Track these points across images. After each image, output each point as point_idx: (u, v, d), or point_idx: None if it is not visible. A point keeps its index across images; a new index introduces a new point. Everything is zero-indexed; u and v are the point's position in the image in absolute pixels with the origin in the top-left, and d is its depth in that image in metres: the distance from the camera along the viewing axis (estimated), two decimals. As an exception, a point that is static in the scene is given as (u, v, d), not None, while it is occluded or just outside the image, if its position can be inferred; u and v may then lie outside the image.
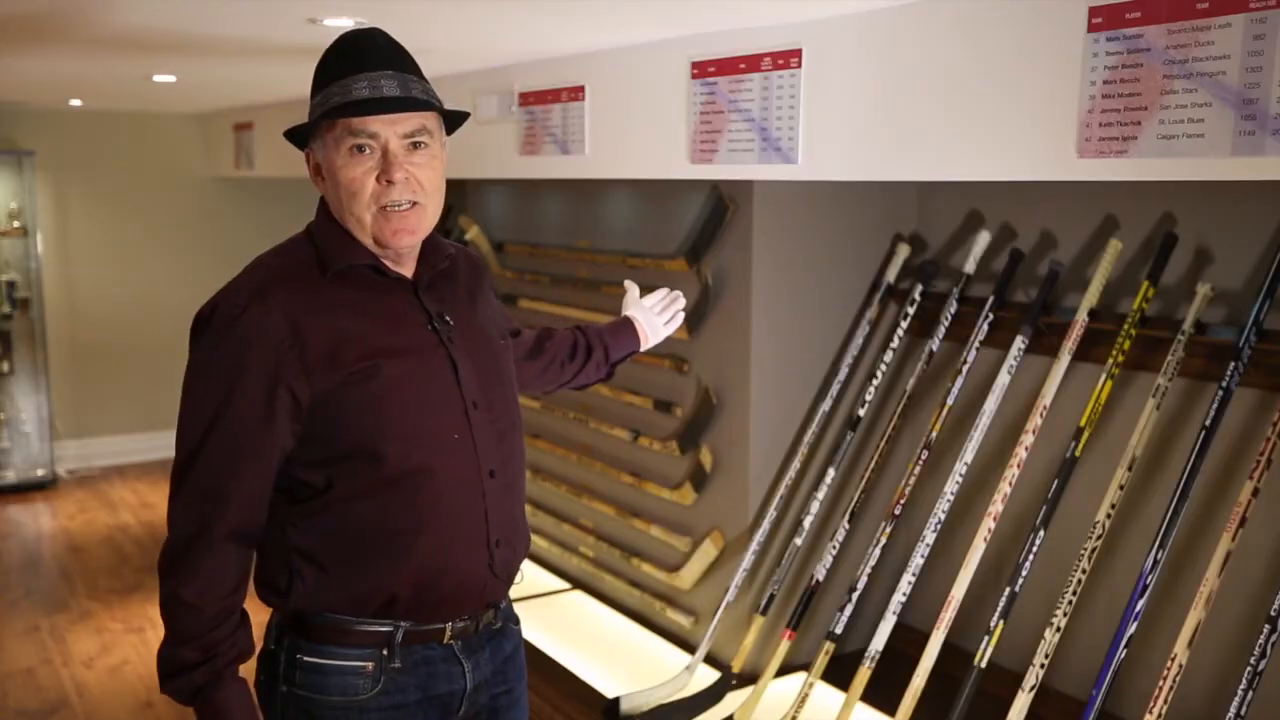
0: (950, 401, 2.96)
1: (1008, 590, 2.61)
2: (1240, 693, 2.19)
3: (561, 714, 3.12)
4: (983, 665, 2.58)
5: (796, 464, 3.22)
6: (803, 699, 2.89)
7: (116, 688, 3.59)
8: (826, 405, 3.25)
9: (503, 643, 1.69)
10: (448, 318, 1.61)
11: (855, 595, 2.93)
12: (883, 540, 2.97)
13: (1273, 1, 1.67)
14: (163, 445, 6.20)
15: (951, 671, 2.74)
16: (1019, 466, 2.73)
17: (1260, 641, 2.19)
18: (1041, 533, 2.62)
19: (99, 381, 6.27)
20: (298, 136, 1.57)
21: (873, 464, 3.14)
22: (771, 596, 3.17)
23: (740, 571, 3.20)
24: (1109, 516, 2.53)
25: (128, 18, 2.69)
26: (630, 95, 3.02)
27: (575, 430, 4.05)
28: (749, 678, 3.15)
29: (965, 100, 2.16)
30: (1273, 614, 2.19)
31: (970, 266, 3.04)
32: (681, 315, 2.19)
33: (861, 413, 3.21)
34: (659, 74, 2.89)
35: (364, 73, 1.48)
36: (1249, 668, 2.19)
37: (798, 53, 2.48)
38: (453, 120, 1.61)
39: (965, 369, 2.95)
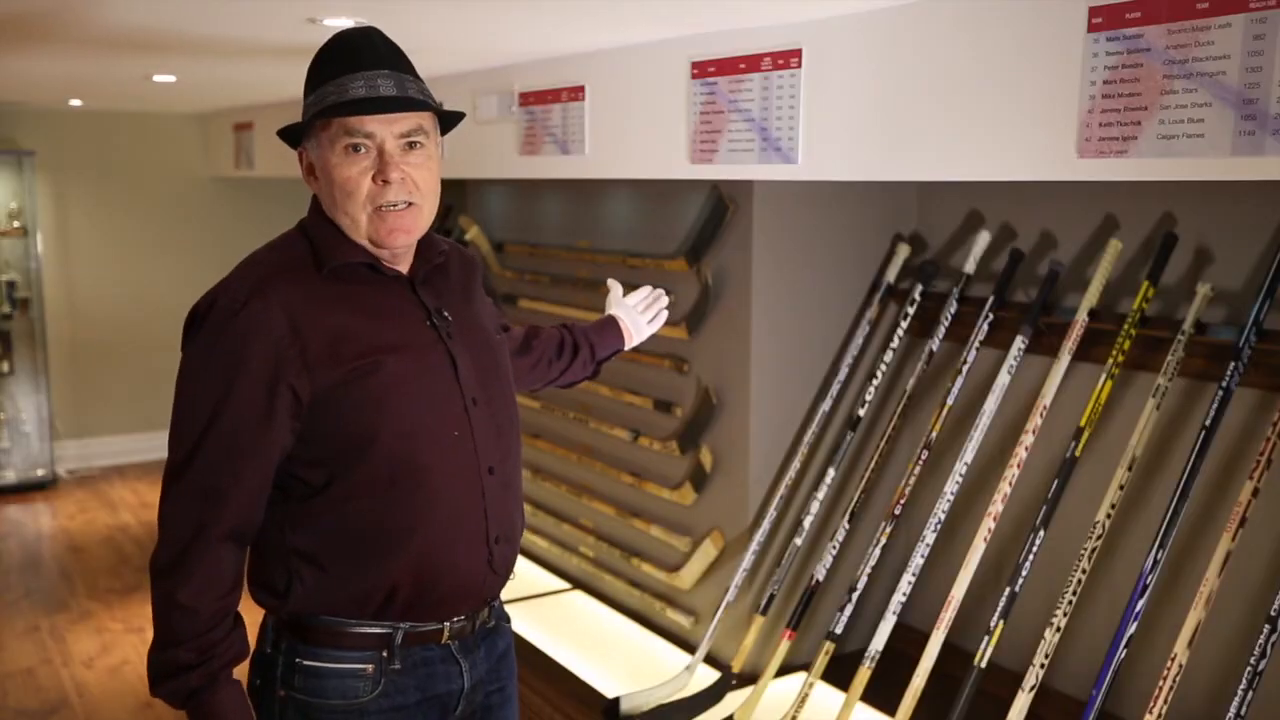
0: (950, 401, 2.96)
1: (1008, 590, 2.61)
2: (1240, 693, 2.18)
3: (561, 714, 3.12)
4: (983, 665, 2.58)
5: (796, 464, 3.22)
6: (803, 699, 2.89)
7: (116, 688, 3.59)
8: (826, 405, 3.25)
9: (496, 640, 1.69)
10: (445, 313, 1.60)
11: (855, 595, 2.93)
12: (883, 540, 2.97)
13: (1273, 1, 1.67)
14: (162, 445, 6.10)
15: (951, 671, 2.74)
16: (1019, 466, 2.73)
17: (1260, 641, 2.19)
18: (1041, 533, 2.62)
19: (99, 381, 6.27)
20: (291, 135, 1.56)
21: (873, 464, 3.14)
22: (771, 596, 3.17)
23: (740, 571, 3.20)
24: (1109, 516, 2.53)
25: (127, 18, 2.69)
26: (630, 95, 3.02)
27: (575, 430, 4.05)
28: (749, 678, 3.15)
29: (965, 100, 2.16)
30: (1273, 614, 2.19)
31: (970, 266, 3.04)
32: (665, 315, 2.19)
33: (861, 413, 3.21)
34: (659, 74, 2.89)
35: (360, 72, 1.47)
36: (1249, 668, 2.19)
37: (798, 53, 2.48)
38: (448, 120, 1.60)
39: (965, 369, 2.95)
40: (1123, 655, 2.37)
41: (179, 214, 6.37)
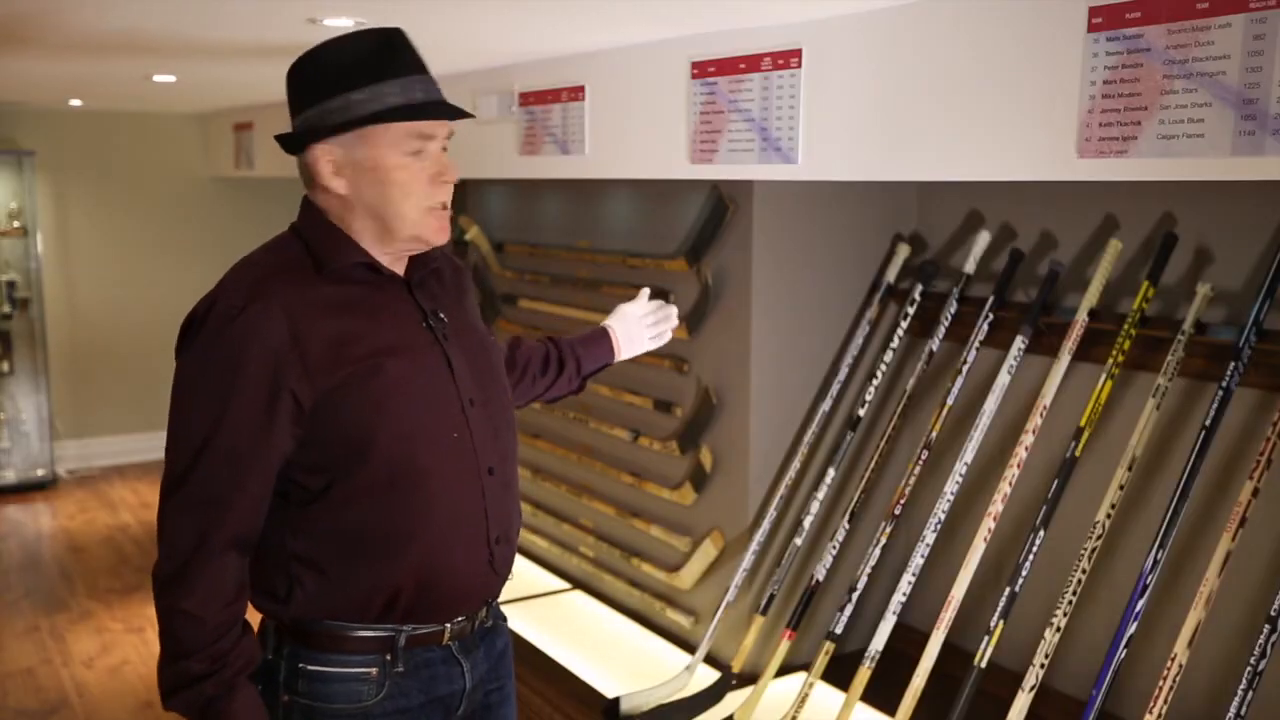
0: (950, 401, 2.96)
1: (1008, 590, 2.61)
2: (1240, 693, 2.18)
3: (561, 714, 3.12)
4: (983, 665, 2.58)
5: (796, 464, 3.22)
6: (803, 699, 2.89)
7: (116, 688, 3.59)
8: (826, 405, 3.25)
9: (495, 640, 1.70)
10: (441, 315, 1.61)
11: (855, 595, 2.93)
12: (883, 540, 2.97)
13: (1273, 1, 1.67)
14: (162, 445, 6.19)
15: (951, 671, 2.74)
16: (1019, 466, 2.73)
17: (1260, 641, 2.19)
18: (1041, 533, 2.62)
19: (99, 381, 6.27)
20: (291, 138, 1.55)
21: (873, 464, 3.14)
22: (771, 596, 3.17)
23: (740, 571, 3.20)
24: (1109, 516, 2.53)
25: (127, 18, 2.69)
26: (630, 95, 3.02)
27: (575, 430, 4.05)
28: (749, 678, 3.15)
29: (965, 100, 2.16)
30: (1273, 614, 2.19)
31: (970, 266, 3.04)
32: (669, 335, 2.15)
33: (861, 413, 3.21)
34: (659, 74, 2.89)
35: (414, 75, 1.51)
36: (1249, 668, 2.19)
37: (798, 53, 2.48)
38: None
39: (965, 369, 2.95)
40: (1123, 655, 2.37)
41: (179, 214, 6.37)
